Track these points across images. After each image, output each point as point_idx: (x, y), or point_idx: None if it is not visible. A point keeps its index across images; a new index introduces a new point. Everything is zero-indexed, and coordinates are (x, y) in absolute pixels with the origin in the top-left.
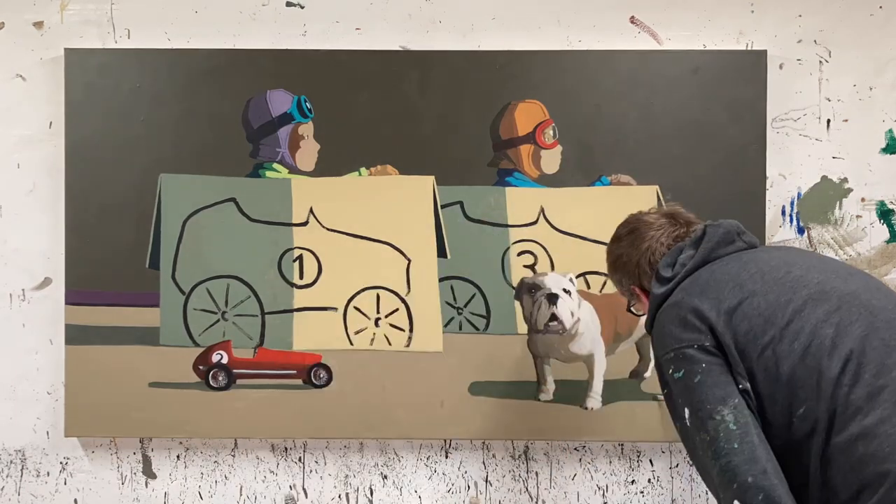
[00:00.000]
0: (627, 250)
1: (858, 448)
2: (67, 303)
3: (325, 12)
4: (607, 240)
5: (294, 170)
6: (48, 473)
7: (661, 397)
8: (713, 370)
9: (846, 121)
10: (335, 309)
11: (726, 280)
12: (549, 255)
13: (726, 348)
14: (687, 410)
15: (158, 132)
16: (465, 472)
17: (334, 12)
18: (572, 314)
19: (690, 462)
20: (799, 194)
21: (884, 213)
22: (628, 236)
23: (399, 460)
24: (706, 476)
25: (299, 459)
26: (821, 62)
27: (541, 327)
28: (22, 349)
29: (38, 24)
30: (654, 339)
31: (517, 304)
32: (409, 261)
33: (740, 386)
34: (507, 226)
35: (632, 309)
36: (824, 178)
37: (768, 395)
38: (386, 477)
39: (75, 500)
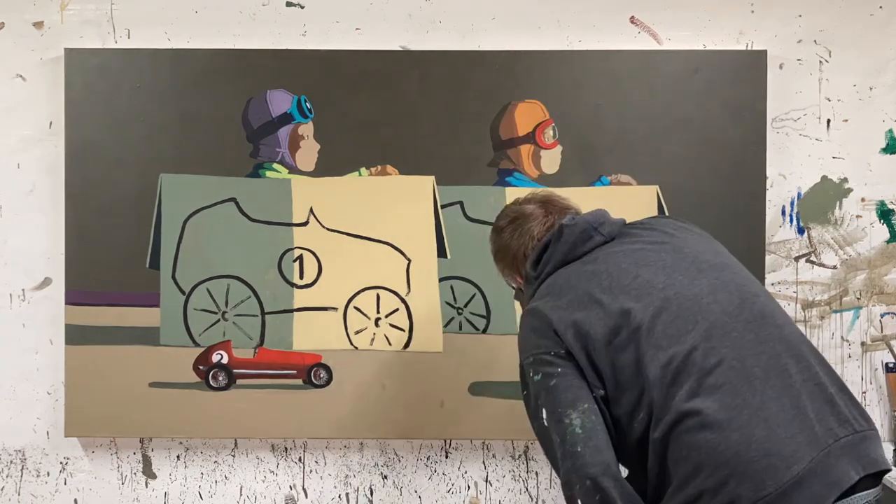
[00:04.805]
0: (507, 242)
1: (674, 440)
2: (67, 303)
3: (325, 12)
4: None
5: (294, 170)
6: (48, 473)
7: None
8: (567, 374)
9: (846, 121)
10: (335, 309)
11: (577, 288)
12: None
13: (576, 358)
14: (544, 411)
15: (158, 132)
16: (465, 472)
17: (334, 12)
18: None
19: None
20: (799, 194)
21: (884, 213)
22: (508, 227)
23: (399, 460)
24: (557, 472)
25: (299, 459)
26: (821, 62)
27: None
28: (22, 349)
29: (38, 24)
30: (518, 341)
31: (517, 304)
32: (409, 261)
33: (594, 393)
34: None
35: (518, 299)
36: (824, 178)
37: (614, 398)
38: (386, 477)
39: (75, 500)
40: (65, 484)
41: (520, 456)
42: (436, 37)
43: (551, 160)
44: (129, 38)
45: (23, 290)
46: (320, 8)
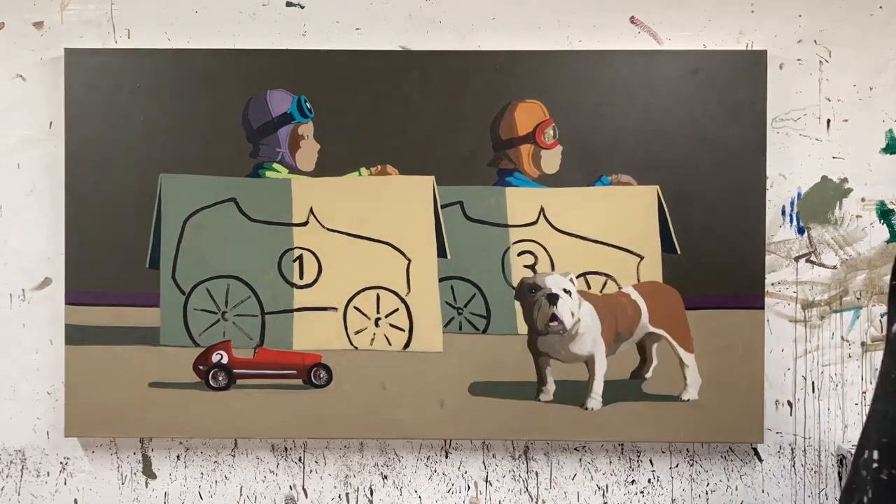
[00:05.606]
0: None
1: None
2: (67, 303)
3: (325, 12)
4: (607, 240)
5: (294, 170)
6: (48, 473)
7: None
8: None
9: (846, 121)
10: (335, 309)
11: None
12: (549, 255)
13: None
14: None
15: (158, 132)
16: (465, 472)
17: (334, 12)
18: (572, 314)
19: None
20: (799, 194)
21: (884, 213)
22: None
23: (399, 460)
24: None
25: (299, 459)
26: (821, 62)
27: (541, 327)
28: (22, 349)
29: (38, 24)
30: None
31: (517, 304)
32: (409, 261)
33: None
34: (508, 226)
35: None
36: (824, 178)
37: None
38: (386, 477)
39: (75, 500)
40: (65, 484)
41: (520, 456)
42: (436, 37)
43: (551, 160)
44: (129, 38)
45: (23, 290)
46: (320, 8)
